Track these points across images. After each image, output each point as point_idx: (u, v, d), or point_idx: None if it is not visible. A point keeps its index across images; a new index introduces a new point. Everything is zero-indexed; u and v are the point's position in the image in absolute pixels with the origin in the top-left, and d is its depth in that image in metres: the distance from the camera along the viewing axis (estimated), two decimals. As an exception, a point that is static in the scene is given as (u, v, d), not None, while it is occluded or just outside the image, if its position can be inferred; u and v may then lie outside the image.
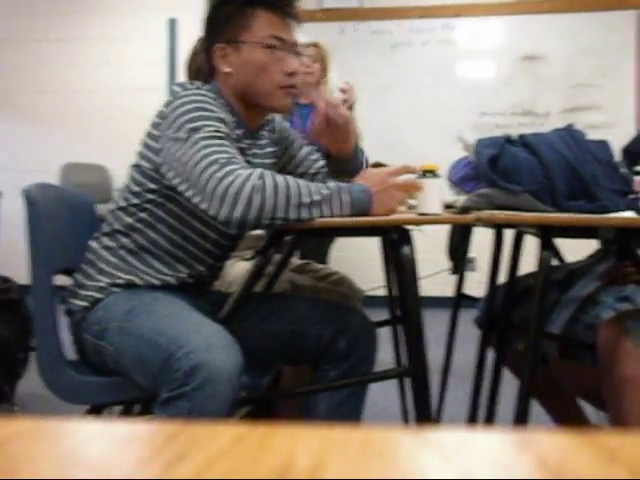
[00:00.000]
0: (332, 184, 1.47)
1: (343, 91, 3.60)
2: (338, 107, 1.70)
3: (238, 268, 1.95)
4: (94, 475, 0.30)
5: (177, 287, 1.61)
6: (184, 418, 1.26)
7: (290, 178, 1.42)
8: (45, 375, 1.57)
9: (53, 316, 1.56)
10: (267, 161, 1.74)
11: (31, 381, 2.50)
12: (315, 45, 3.85)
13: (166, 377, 1.30)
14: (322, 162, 1.85)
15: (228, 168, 1.37)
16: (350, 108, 3.61)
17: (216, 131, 1.45)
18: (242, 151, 1.59)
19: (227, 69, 1.61)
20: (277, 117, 1.82)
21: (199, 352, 1.28)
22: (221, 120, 1.49)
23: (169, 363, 1.29)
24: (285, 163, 1.83)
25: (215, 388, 1.26)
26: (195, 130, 1.43)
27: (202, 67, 1.75)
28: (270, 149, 1.77)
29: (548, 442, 0.34)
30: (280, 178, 1.40)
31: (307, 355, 1.66)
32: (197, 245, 1.62)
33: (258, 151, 1.71)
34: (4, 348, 2.73)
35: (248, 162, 1.60)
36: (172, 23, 5.55)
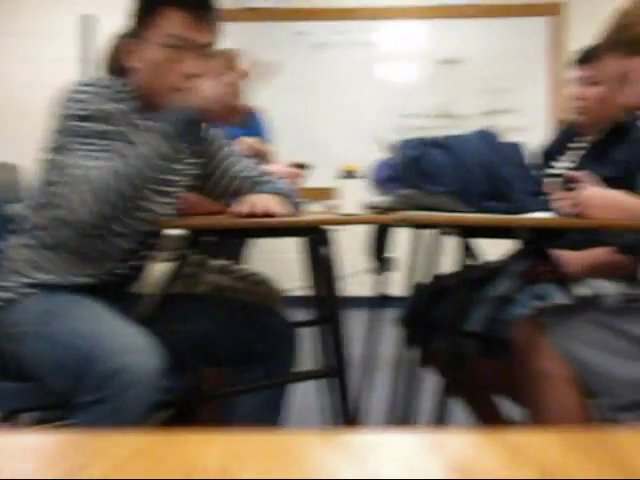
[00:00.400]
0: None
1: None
2: None
3: (157, 270, 1.92)
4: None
5: (96, 288, 1.57)
6: (104, 422, 1.24)
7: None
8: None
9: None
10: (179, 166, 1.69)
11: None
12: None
13: (85, 381, 1.27)
14: (253, 168, 1.79)
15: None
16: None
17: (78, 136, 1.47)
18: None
19: (133, 65, 1.59)
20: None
21: (118, 355, 1.25)
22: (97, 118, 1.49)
23: (88, 367, 1.27)
24: (206, 163, 1.78)
25: (135, 391, 1.24)
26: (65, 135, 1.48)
27: (118, 63, 1.72)
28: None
29: (458, 442, 0.34)
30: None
31: (226, 358, 1.64)
32: (110, 243, 1.58)
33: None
34: None
35: None
36: (86, 19, 5.42)
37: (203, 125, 1.52)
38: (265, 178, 1.77)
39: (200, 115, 1.47)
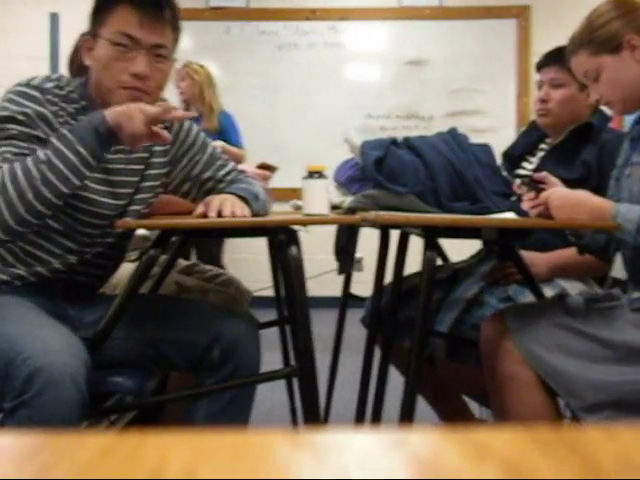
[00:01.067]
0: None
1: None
2: None
3: (123, 270, 1.90)
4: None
5: (37, 287, 1.55)
6: (29, 425, 1.22)
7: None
8: None
9: None
10: (135, 167, 1.65)
11: None
12: (186, 66, 4.25)
13: (7, 386, 1.25)
14: (227, 169, 1.77)
15: None
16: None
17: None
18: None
19: (88, 62, 1.58)
20: (179, 127, 1.74)
21: (36, 357, 1.24)
22: (20, 121, 1.47)
23: (8, 371, 1.25)
24: (183, 166, 1.74)
25: (56, 392, 1.22)
26: None
27: (80, 61, 1.70)
28: (154, 159, 1.69)
29: (421, 441, 0.34)
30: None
31: (182, 363, 1.61)
32: (48, 239, 1.56)
33: (122, 156, 1.63)
34: None
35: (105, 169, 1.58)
36: (54, 17, 5.35)
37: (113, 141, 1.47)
38: (230, 177, 1.75)
39: (109, 130, 1.43)
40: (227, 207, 1.49)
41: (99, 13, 1.54)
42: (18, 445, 0.34)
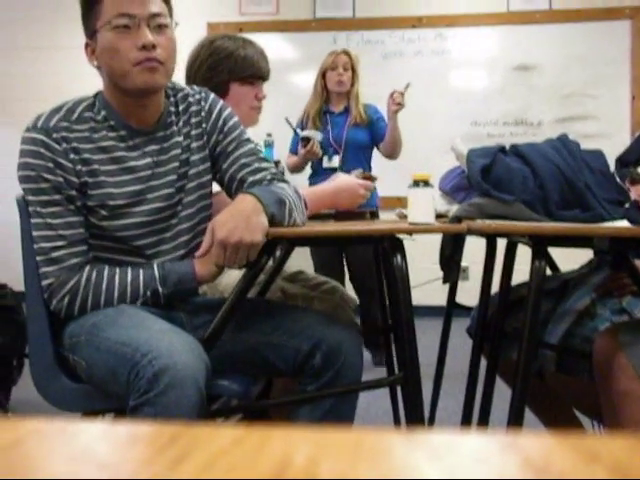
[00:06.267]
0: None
1: (396, 102, 3.63)
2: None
3: (230, 277, 1.95)
4: (103, 474, 0.31)
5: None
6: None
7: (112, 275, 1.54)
8: (38, 381, 1.57)
9: (46, 322, 1.56)
10: (171, 165, 1.63)
11: (25, 387, 2.48)
12: (346, 53, 3.84)
13: (133, 386, 1.30)
14: (263, 171, 1.67)
15: (42, 270, 1.54)
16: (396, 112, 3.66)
17: (40, 203, 1.53)
18: (116, 160, 1.57)
19: (95, 63, 1.58)
20: (214, 103, 1.70)
21: (161, 358, 1.28)
22: (46, 179, 1.52)
23: (134, 372, 1.30)
24: (215, 158, 1.70)
25: (179, 392, 1.27)
26: (27, 198, 1.55)
27: None
28: (193, 143, 1.66)
29: (533, 444, 0.35)
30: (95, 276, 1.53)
31: (285, 368, 1.63)
32: (129, 262, 1.61)
33: (155, 147, 1.62)
34: (-1, 354, 2.72)
35: (130, 168, 1.58)
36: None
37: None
38: (259, 176, 1.66)
39: (197, 285, 1.58)
40: (234, 237, 1.43)
41: (89, 12, 1.54)
42: (157, 433, 0.37)
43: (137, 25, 1.50)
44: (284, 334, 1.62)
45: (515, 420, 1.57)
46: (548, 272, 2.03)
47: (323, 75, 3.84)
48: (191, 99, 1.68)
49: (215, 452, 0.33)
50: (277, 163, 4.78)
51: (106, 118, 1.58)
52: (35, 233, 1.54)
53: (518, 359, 1.58)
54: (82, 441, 0.36)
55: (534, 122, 5.31)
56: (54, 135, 1.52)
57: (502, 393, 2.00)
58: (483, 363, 1.99)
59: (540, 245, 1.55)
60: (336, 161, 3.80)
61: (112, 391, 1.42)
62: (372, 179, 2.15)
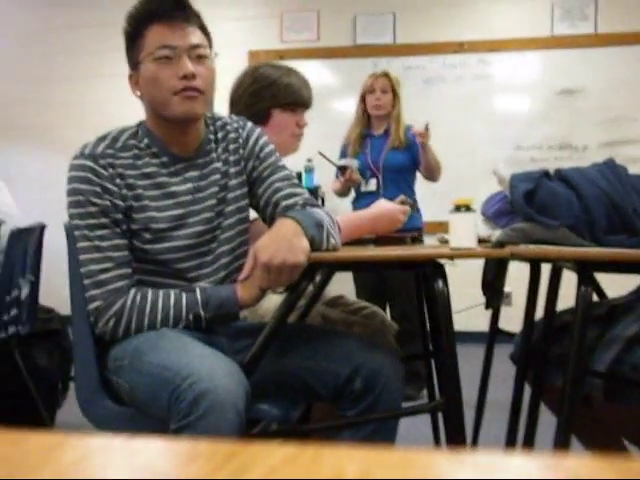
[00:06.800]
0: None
1: (421, 135, 3.59)
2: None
3: (270, 301, 1.95)
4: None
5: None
6: None
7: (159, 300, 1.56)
8: (83, 404, 1.59)
9: (92, 345, 1.58)
10: (211, 190, 1.67)
11: (69, 410, 2.51)
12: (385, 75, 3.81)
13: (174, 409, 1.31)
14: (296, 196, 1.69)
15: (89, 293, 1.56)
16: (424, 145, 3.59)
17: (88, 227, 1.56)
18: (158, 185, 1.61)
19: (138, 93, 1.64)
20: (251, 131, 1.75)
21: (202, 382, 1.29)
22: (94, 203, 1.55)
23: (175, 395, 1.31)
24: (252, 184, 1.74)
25: (219, 416, 1.27)
26: (74, 223, 1.58)
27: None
28: (231, 168, 1.70)
29: (577, 464, 0.35)
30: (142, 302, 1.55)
31: (325, 393, 1.62)
32: (172, 285, 1.62)
33: (195, 173, 1.66)
34: (44, 378, 2.76)
35: (172, 193, 1.62)
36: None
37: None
38: (292, 201, 1.68)
39: (238, 309, 1.58)
40: (277, 259, 1.45)
41: (133, 45, 1.61)
42: (215, 450, 0.38)
43: (178, 56, 1.56)
44: (324, 359, 1.62)
45: (561, 448, 1.53)
46: (594, 298, 2.00)
47: (363, 99, 3.83)
48: (229, 127, 1.73)
49: (272, 467, 0.35)
50: (317, 189, 4.82)
51: (149, 145, 1.63)
52: (83, 256, 1.57)
53: (564, 387, 1.55)
54: (144, 457, 0.38)
55: (579, 146, 5.25)
56: (101, 161, 1.57)
57: (547, 421, 1.96)
58: (527, 390, 1.95)
59: (586, 271, 1.52)
60: (373, 184, 3.77)
61: (154, 414, 1.43)
62: (407, 203, 2.15)
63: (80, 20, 5.96)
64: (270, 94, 2.09)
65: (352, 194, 3.94)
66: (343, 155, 3.89)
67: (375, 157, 3.78)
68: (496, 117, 5.39)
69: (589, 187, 1.75)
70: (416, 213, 3.79)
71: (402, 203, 2.11)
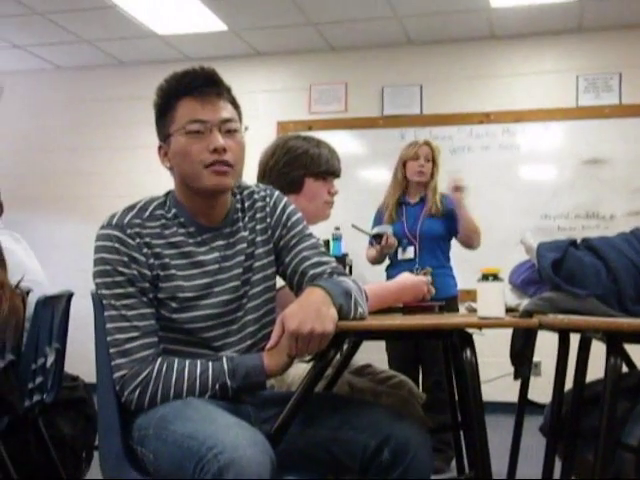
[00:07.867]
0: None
1: (456, 188, 3.66)
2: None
3: (297, 369, 1.95)
4: None
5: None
6: None
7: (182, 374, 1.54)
8: (106, 473, 1.58)
9: (116, 414, 1.58)
10: (237, 259, 1.67)
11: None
12: (427, 144, 3.88)
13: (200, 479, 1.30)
14: (323, 265, 1.70)
15: (115, 362, 1.55)
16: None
17: (114, 296, 1.57)
18: (185, 255, 1.62)
19: (168, 165, 1.66)
20: (278, 199, 1.76)
21: (227, 452, 1.27)
22: (121, 272, 1.57)
23: (200, 466, 1.29)
24: (279, 252, 1.74)
25: None
26: (101, 292, 1.59)
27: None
28: (257, 237, 1.71)
29: None
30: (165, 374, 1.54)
31: (352, 465, 1.59)
32: (197, 354, 1.61)
33: (222, 242, 1.67)
34: (68, 447, 2.74)
35: (198, 263, 1.62)
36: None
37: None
38: (320, 270, 1.69)
39: (265, 378, 1.57)
40: (306, 327, 1.45)
41: (163, 118, 1.64)
42: None
43: (209, 130, 1.59)
44: (351, 429, 1.60)
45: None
46: (624, 369, 1.97)
47: (404, 165, 3.87)
48: (256, 196, 1.75)
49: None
50: (345, 256, 4.84)
51: (176, 215, 1.65)
52: (109, 325, 1.58)
53: (595, 461, 1.52)
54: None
55: (606, 215, 5.24)
56: (128, 231, 1.59)
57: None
58: (558, 464, 1.91)
59: (615, 341, 1.50)
60: (411, 252, 3.78)
61: None
62: (429, 274, 2.17)
63: (111, 93, 6.19)
64: (303, 164, 2.16)
65: (386, 261, 3.94)
66: (377, 221, 3.92)
67: (412, 225, 3.80)
68: (523, 186, 5.41)
69: (617, 257, 1.75)
70: (451, 281, 3.80)
71: (425, 274, 2.13)
